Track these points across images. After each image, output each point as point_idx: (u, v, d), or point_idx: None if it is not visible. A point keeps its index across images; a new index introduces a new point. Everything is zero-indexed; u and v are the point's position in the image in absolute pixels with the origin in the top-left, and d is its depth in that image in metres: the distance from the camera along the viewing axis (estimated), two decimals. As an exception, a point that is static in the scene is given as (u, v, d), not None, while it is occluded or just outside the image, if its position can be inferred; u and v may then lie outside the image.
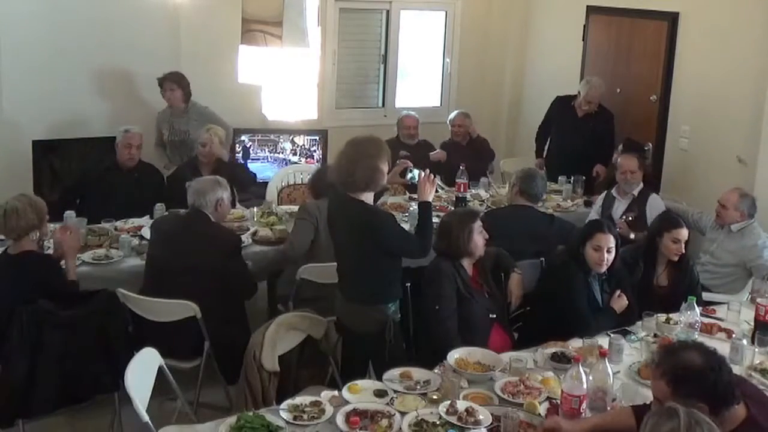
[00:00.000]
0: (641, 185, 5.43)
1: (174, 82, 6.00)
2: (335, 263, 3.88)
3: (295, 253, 4.47)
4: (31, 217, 3.81)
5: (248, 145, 6.67)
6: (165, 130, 6.13)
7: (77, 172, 5.65)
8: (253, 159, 6.64)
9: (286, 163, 6.74)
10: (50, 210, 4.04)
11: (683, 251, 4.31)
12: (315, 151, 6.88)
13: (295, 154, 6.85)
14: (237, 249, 4.30)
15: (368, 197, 3.68)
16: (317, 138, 6.86)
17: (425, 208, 3.77)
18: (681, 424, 2.17)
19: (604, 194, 5.57)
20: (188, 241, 4.13)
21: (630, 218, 5.24)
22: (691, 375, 2.46)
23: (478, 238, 3.91)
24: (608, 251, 3.94)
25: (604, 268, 3.98)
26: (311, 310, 3.90)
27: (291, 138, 6.85)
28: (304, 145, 6.87)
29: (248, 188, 6.02)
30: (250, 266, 4.41)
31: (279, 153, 6.85)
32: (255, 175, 6.09)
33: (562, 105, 6.58)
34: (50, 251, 4.19)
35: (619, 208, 5.42)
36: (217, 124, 5.89)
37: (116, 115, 6.20)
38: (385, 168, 3.69)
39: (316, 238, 4.44)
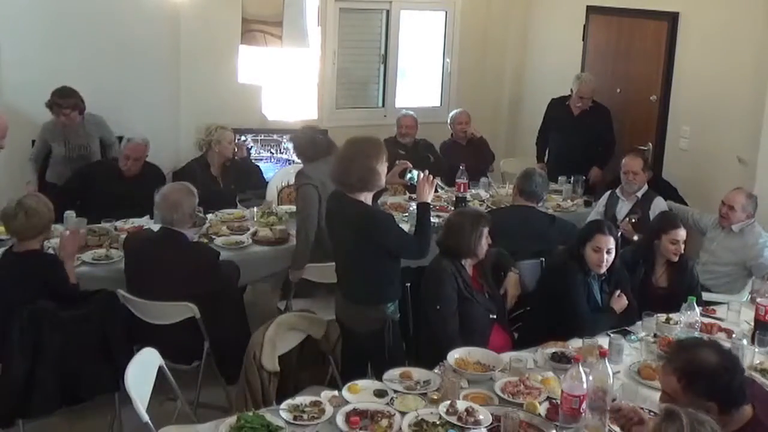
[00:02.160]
0: (646, 187, 5.41)
1: (71, 108, 5.44)
2: (334, 263, 3.89)
3: (310, 229, 4.45)
4: (48, 217, 3.85)
5: (250, 146, 6.67)
6: (58, 146, 5.63)
7: (75, 173, 5.63)
8: (255, 159, 6.63)
9: (289, 164, 6.74)
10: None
11: (681, 251, 4.31)
12: None
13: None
14: (215, 265, 4.20)
15: (366, 197, 3.69)
16: None
17: (424, 209, 3.78)
18: (684, 425, 2.16)
19: (608, 193, 5.55)
20: (164, 267, 4.01)
21: (633, 220, 5.21)
22: (704, 373, 2.45)
23: (485, 242, 3.93)
24: (608, 252, 3.94)
25: (603, 269, 3.98)
26: (311, 310, 3.90)
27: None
28: None
29: (255, 189, 6.01)
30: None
31: (282, 153, 6.84)
32: (266, 182, 6.07)
33: (558, 106, 6.59)
34: (51, 251, 4.19)
35: (622, 208, 5.41)
36: (106, 132, 5.82)
37: (116, 115, 6.19)
38: (382, 169, 3.69)
39: (319, 231, 4.43)
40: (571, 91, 6.42)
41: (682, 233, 4.31)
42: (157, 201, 4.16)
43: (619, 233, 4.39)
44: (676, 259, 4.31)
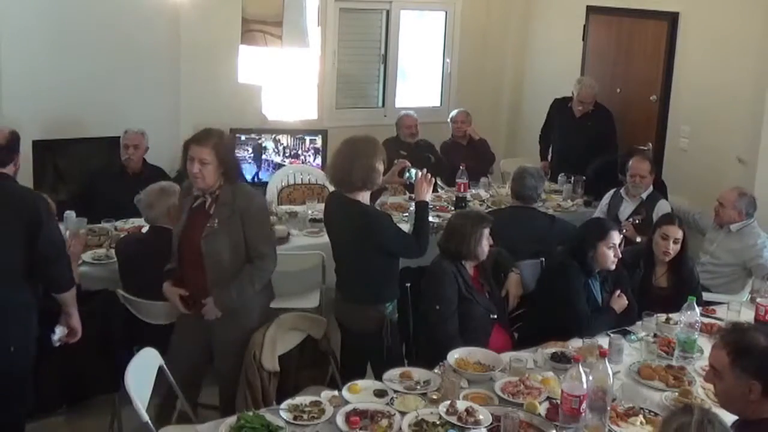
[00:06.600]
0: (651, 189, 5.38)
1: None
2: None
3: None
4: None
5: (264, 144, 6.63)
6: None
7: (85, 175, 5.61)
8: (253, 160, 6.60)
9: (269, 164, 6.68)
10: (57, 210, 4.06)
11: (669, 249, 4.20)
12: (308, 153, 6.80)
13: (278, 154, 6.76)
14: None
15: (364, 196, 3.69)
16: (304, 138, 6.80)
17: (422, 207, 3.78)
18: (693, 420, 2.23)
19: (611, 193, 5.54)
20: (155, 266, 3.89)
21: (637, 221, 5.18)
22: (753, 351, 2.55)
23: (486, 244, 3.93)
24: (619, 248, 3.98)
25: (614, 266, 3.99)
26: (311, 310, 3.91)
27: (273, 137, 6.76)
28: (288, 145, 6.78)
29: None
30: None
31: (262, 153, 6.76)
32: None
33: (560, 107, 6.59)
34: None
35: (626, 209, 5.38)
36: None
37: (116, 115, 6.19)
38: (380, 167, 3.71)
39: None
40: (573, 93, 6.42)
41: (673, 229, 4.21)
42: (137, 203, 4.20)
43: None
44: (665, 257, 4.23)
